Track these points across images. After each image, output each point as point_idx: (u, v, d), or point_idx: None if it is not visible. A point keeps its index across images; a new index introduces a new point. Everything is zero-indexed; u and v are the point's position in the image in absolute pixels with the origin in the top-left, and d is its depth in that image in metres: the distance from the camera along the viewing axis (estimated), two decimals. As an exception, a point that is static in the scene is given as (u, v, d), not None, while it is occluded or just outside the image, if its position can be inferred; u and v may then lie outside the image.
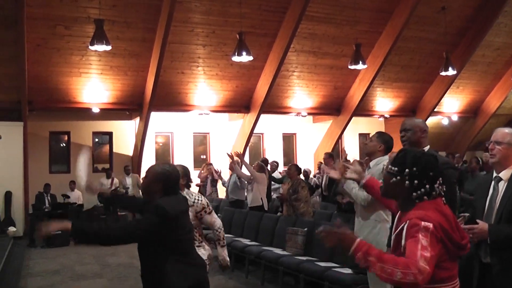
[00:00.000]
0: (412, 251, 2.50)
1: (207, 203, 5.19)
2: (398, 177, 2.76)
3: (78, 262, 11.41)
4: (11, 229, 14.57)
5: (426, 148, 4.65)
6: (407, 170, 2.73)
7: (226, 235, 10.44)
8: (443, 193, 2.78)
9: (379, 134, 5.55)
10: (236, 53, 14.63)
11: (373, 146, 5.46)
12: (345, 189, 5.48)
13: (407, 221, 2.62)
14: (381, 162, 5.23)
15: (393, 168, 2.79)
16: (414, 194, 2.71)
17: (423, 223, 2.56)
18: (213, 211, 5.23)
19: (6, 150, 14.93)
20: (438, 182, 2.75)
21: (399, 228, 2.69)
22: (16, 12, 13.28)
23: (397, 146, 4.87)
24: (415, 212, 2.65)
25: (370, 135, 5.63)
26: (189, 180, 5.17)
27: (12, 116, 15.19)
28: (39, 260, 11.89)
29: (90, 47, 13.59)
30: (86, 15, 14.33)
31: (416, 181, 2.72)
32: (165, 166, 3.90)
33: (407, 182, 2.73)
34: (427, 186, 2.71)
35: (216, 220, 5.21)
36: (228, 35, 15.86)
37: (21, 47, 13.80)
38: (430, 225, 2.55)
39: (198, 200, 5.08)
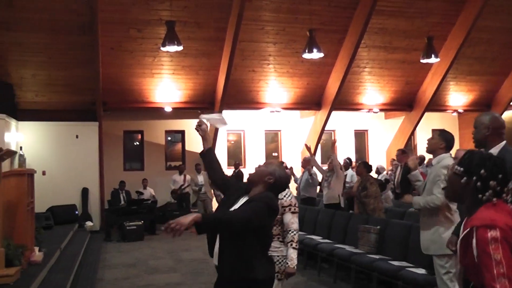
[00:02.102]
0: (488, 271, 2.38)
1: (296, 203, 5.15)
2: (465, 178, 2.65)
3: (152, 256, 11.67)
4: (88, 223, 15.23)
5: (502, 144, 4.53)
6: (474, 171, 2.62)
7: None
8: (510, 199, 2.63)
9: (441, 132, 5.61)
10: (306, 50, 14.64)
11: (434, 143, 5.50)
12: (410, 178, 5.70)
13: (474, 228, 2.49)
14: (442, 160, 5.33)
15: (459, 169, 2.69)
16: (481, 196, 2.59)
17: (489, 234, 2.42)
18: (297, 213, 5.15)
19: (82, 149, 15.56)
20: (507, 186, 2.61)
21: (464, 233, 2.57)
22: (91, 18, 13.71)
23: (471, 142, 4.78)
24: (481, 215, 2.53)
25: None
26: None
27: (87, 116, 15.75)
28: (114, 253, 12.27)
29: (162, 48, 13.89)
30: (157, 17, 14.61)
31: (483, 183, 2.60)
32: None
33: (474, 183, 2.61)
34: (497, 188, 2.58)
35: (295, 222, 5.09)
36: (298, 32, 15.84)
37: (95, 51, 14.26)
38: (497, 233, 2.41)
39: (288, 195, 5.10)
